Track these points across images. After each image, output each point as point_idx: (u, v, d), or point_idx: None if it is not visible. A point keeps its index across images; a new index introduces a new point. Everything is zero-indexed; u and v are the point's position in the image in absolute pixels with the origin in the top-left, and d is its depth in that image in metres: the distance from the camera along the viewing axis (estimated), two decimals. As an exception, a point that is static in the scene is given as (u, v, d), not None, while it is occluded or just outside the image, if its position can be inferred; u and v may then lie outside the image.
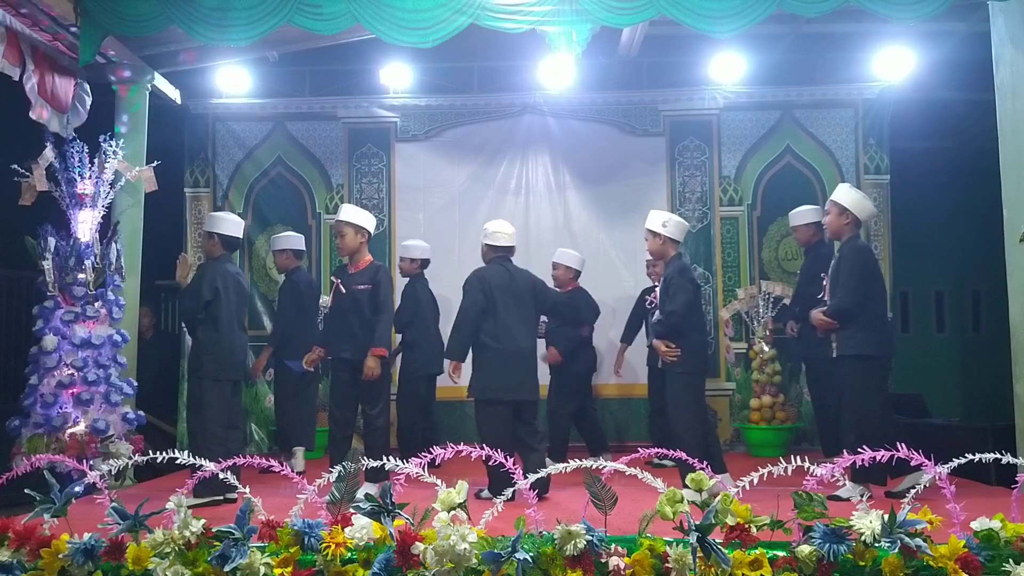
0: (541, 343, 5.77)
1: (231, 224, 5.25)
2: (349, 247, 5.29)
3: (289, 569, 2.81)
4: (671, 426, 5.03)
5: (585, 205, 7.62)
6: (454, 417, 7.17)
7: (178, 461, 2.99)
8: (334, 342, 5.33)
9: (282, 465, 2.98)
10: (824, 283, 5.09)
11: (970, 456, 3.01)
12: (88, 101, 6.18)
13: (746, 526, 2.80)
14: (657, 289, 5.44)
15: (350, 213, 5.32)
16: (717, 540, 2.76)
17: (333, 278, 5.48)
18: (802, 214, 6.21)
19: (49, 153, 5.64)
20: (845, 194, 5.08)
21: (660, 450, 3.35)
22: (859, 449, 2.89)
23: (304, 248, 6.63)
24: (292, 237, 6.58)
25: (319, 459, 6.30)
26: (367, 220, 5.34)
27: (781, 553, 2.81)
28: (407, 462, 2.93)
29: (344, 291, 5.26)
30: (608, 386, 7.07)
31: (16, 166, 5.64)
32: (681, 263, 5.21)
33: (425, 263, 6.38)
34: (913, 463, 2.89)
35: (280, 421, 6.51)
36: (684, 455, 3.21)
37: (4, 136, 5.85)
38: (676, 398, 5.04)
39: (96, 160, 5.81)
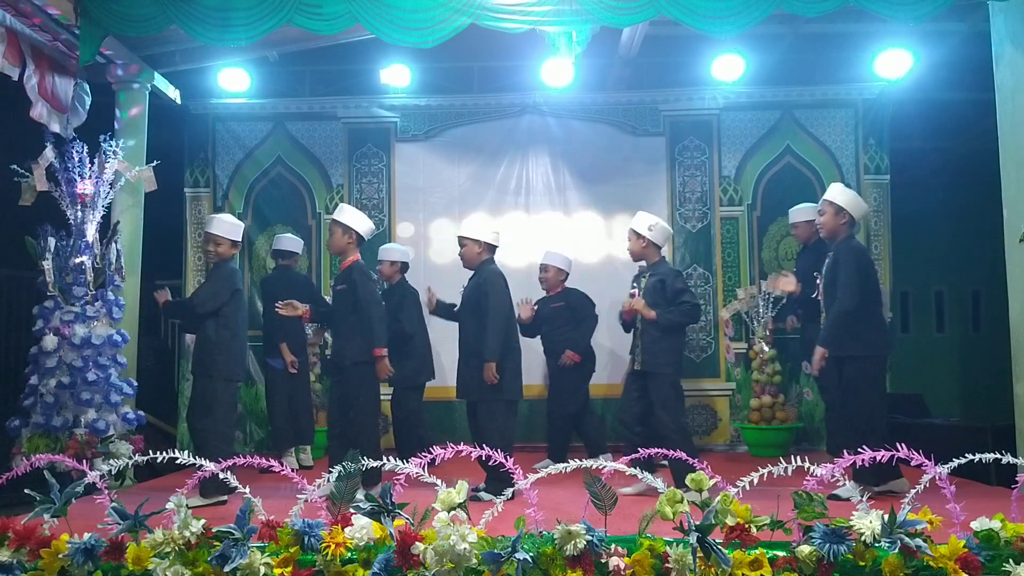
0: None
1: (235, 227, 5.23)
2: (335, 246, 5.31)
3: (289, 569, 2.81)
4: (659, 428, 5.00)
5: (585, 205, 7.62)
6: (455, 417, 7.17)
7: (178, 461, 2.99)
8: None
9: (282, 465, 2.98)
10: (818, 282, 5.09)
11: (970, 456, 3.00)
12: (88, 101, 6.19)
13: (746, 526, 2.80)
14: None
15: (340, 212, 5.34)
16: (717, 540, 2.76)
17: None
18: (803, 211, 6.21)
19: (49, 153, 5.64)
20: (841, 193, 5.07)
21: (660, 450, 3.35)
22: (859, 449, 2.89)
23: (291, 249, 6.64)
24: (278, 238, 6.73)
25: (319, 458, 6.33)
26: (358, 222, 5.28)
27: (781, 553, 2.81)
28: (405, 462, 2.93)
29: (333, 293, 5.34)
30: (609, 386, 7.07)
31: (16, 166, 5.64)
32: (670, 265, 5.24)
33: (406, 267, 6.28)
34: (913, 463, 2.89)
35: (275, 422, 6.50)
36: (684, 455, 3.21)
37: (4, 136, 5.84)
38: (666, 400, 5.05)
39: (96, 160, 5.81)
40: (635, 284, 5.34)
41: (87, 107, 6.16)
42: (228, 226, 5.17)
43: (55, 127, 5.78)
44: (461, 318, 5.36)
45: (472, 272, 5.34)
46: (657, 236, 5.21)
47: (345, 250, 5.26)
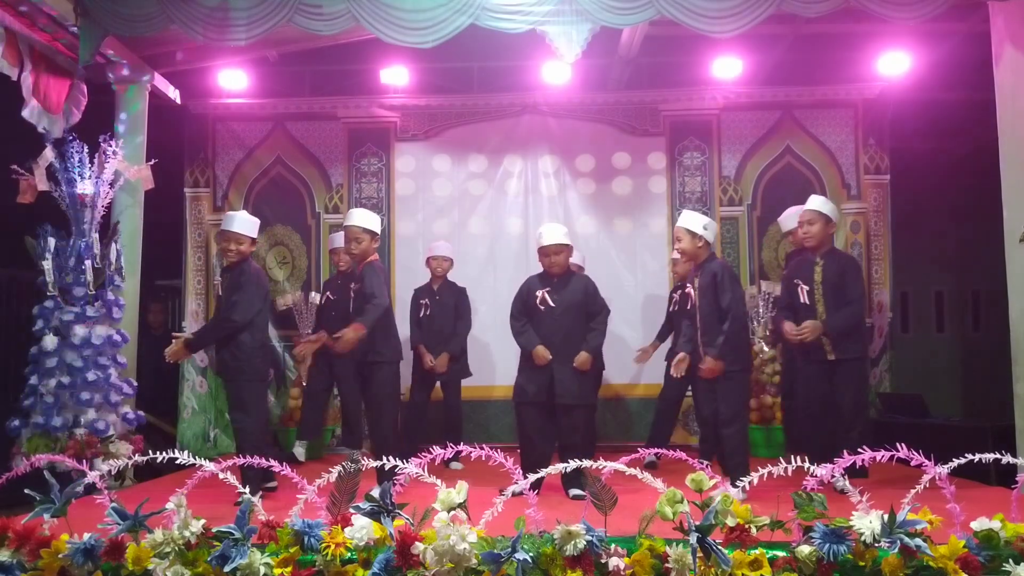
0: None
1: (254, 223, 5.12)
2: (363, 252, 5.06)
3: (289, 569, 2.81)
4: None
5: (585, 205, 7.62)
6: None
7: (178, 461, 2.99)
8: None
9: (282, 465, 2.99)
10: (801, 289, 5.18)
11: (970, 456, 3.01)
12: (83, 102, 6.15)
13: (746, 526, 2.81)
14: (687, 289, 5.23)
15: (361, 217, 5.09)
16: (717, 540, 2.76)
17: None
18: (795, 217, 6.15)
19: (49, 153, 5.64)
20: (824, 204, 5.26)
21: (659, 450, 3.35)
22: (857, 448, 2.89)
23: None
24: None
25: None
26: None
27: (781, 553, 2.81)
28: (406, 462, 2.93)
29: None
30: (609, 386, 7.06)
31: (16, 166, 5.64)
32: (723, 261, 5.37)
33: None
34: (913, 463, 2.90)
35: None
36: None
37: (4, 136, 5.84)
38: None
39: (96, 160, 5.81)
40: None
41: (82, 108, 6.13)
42: (248, 223, 5.05)
43: (45, 126, 5.75)
44: (560, 321, 5.14)
45: (561, 276, 5.26)
46: (711, 235, 5.09)
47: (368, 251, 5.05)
